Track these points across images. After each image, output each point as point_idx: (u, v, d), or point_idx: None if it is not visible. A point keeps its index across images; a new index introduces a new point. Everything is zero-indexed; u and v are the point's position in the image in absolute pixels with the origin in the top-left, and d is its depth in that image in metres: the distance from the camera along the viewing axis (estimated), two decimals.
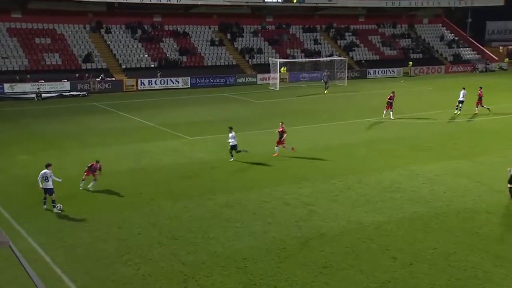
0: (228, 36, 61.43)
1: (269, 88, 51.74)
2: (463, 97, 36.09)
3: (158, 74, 51.80)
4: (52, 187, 17.84)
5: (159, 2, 55.42)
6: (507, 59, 74.44)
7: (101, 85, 48.93)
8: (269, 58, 55.58)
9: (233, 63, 57.92)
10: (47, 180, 17.77)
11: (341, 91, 49.57)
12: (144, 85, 50.84)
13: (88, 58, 51.61)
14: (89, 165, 19.85)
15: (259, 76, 55.58)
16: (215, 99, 44.82)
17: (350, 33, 67.80)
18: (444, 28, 75.39)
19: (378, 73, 62.28)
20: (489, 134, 30.54)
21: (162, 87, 51.26)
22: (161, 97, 46.07)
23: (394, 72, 63.18)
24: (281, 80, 53.25)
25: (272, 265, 13.99)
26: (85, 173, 19.77)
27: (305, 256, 14.53)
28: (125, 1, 54.46)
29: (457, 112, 36.16)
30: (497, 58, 72.52)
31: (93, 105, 41.79)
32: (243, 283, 13.08)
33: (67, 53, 51.67)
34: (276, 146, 25.19)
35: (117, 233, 16.10)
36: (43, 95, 44.88)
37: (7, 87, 45.18)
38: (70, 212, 17.76)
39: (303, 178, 21.63)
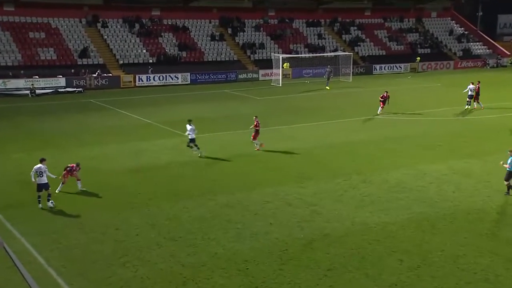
0: (229, 30, 60.92)
1: (272, 84, 51.47)
2: (471, 91, 36.15)
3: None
4: (46, 181, 17.67)
5: None
6: None
7: (98, 81, 48.46)
8: (272, 54, 55.19)
9: (234, 59, 57.41)
10: (41, 175, 17.58)
11: (345, 87, 49.33)
12: (142, 81, 50.29)
13: (84, 53, 51.08)
14: (68, 167, 19.29)
15: (261, 72, 55.17)
16: (216, 96, 44.48)
17: (356, 28, 67.18)
18: (453, 22, 74.41)
19: (385, 68, 61.85)
20: (500, 132, 29.91)
21: (161, 84, 50.74)
22: (159, 93, 45.72)
23: (401, 68, 62.66)
24: (284, 76, 52.93)
25: (274, 267, 13.77)
26: (64, 176, 19.20)
27: (308, 258, 14.29)
28: None
29: (469, 108, 36.31)
30: (509, 53, 70.95)
31: (89, 101, 41.43)
32: (244, 285, 12.90)
33: (62, 48, 51.13)
34: (253, 141, 25.15)
35: (115, 234, 15.88)
36: (37, 91, 44.45)
37: None
38: (66, 213, 17.59)
39: (306, 177, 21.36)
